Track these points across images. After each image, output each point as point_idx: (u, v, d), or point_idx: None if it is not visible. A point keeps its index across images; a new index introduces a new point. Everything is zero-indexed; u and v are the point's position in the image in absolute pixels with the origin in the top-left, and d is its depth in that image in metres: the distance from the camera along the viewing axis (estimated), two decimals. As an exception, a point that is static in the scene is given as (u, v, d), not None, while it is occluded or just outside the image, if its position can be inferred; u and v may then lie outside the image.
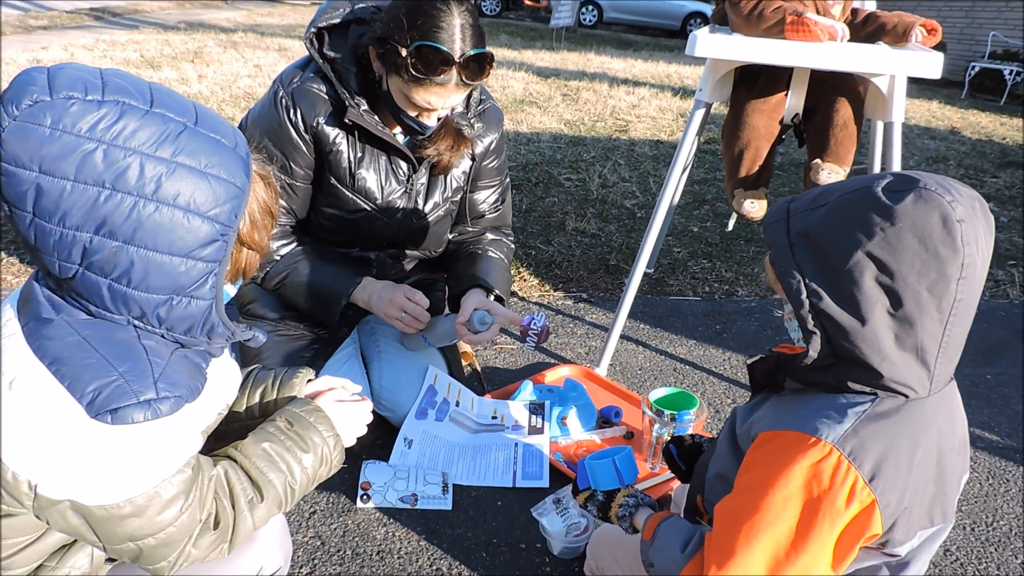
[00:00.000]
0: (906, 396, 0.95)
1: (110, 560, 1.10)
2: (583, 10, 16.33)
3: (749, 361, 1.14)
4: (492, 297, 1.86)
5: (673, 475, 1.46)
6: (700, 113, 2.18)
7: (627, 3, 16.12)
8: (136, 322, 0.93)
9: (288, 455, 1.13)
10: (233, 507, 1.07)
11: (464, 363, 2.27)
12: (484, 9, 16.90)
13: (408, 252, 1.99)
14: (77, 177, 0.83)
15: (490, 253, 1.97)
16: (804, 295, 0.94)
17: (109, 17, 11.04)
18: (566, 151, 4.85)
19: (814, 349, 0.95)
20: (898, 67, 1.86)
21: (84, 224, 0.85)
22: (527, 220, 3.59)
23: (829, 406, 0.96)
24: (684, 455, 1.37)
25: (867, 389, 0.95)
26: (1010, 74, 8.97)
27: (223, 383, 1.10)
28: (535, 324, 1.74)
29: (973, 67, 9.38)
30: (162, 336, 0.96)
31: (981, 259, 0.91)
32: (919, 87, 9.71)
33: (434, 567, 1.55)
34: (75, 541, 1.03)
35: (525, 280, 2.97)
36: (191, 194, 0.87)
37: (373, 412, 1.89)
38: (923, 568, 1.06)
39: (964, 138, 6.22)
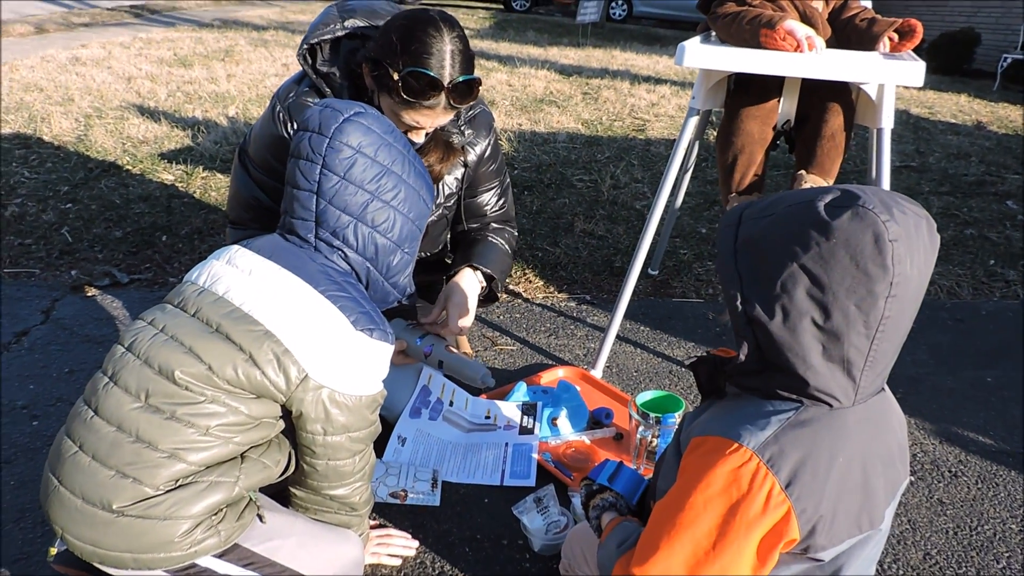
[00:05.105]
0: (830, 405, 0.98)
1: (282, 475, 1.37)
2: (612, 4, 16.25)
3: (688, 362, 1.18)
4: (480, 275, 1.98)
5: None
6: (694, 120, 2.22)
7: (657, -3, 16.01)
8: (370, 267, 1.37)
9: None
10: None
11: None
12: (515, 6, 16.88)
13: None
14: (375, 158, 1.32)
15: (490, 239, 2.07)
16: (738, 301, 0.98)
17: (148, 14, 11.31)
18: (581, 152, 4.89)
19: (743, 354, 1.00)
20: (879, 76, 1.87)
21: (370, 188, 1.32)
22: (536, 222, 3.65)
23: (755, 413, 1.00)
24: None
25: (793, 397, 0.99)
26: (1044, 65, 8.74)
27: None
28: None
29: (1006, 58, 9.15)
30: (371, 296, 1.39)
31: (916, 279, 0.93)
32: (951, 79, 9.51)
33: (418, 560, 1.63)
34: (270, 444, 1.32)
35: (530, 282, 3.03)
36: (415, 204, 1.40)
37: None
38: (862, 572, 1.11)
39: (990, 133, 6.11)
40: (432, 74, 1.57)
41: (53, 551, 1.28)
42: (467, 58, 1.64)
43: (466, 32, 1.67)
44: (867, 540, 1.05)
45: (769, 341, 0.97)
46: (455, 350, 1.87)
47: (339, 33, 1.73)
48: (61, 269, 2.91)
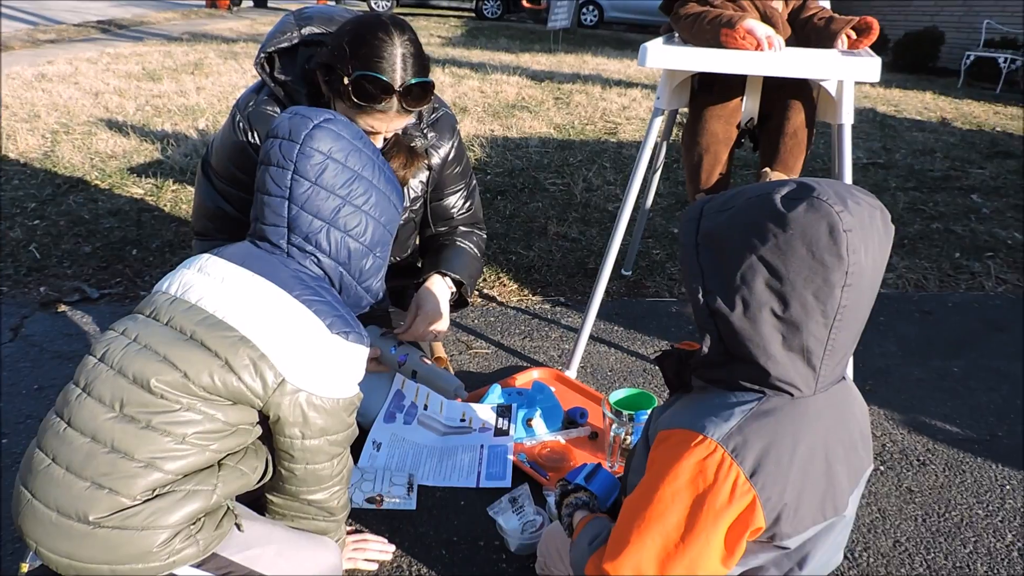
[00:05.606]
0: (791, 394, 1.00)
1: (259, 481, 1.36)
2: (584, 10, 16.36)
3: (654, 356, 1.18)
4: (449, 280, 1.97)
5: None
6: (659, 120, 2.24)
7: (628, 2, 16.13)
8: (343, 272, 1.37)
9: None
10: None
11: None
12: (485, 12, 16.95)
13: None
14: (345, 163, 1.33)
15: (458, 243, 2.07)
16: (700, 294, 1.00)
17: (115, 30, 11.18)
18: (553, 156, 4.92)
19: (706, 346, 1.02)
20: (838, 72, 1.91)
21: (341, 193, 1.33)
22: (509, 226, 3.66)
23: (719, 404, 1.01)
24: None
25: (756, 387, 1.01)
26: (1005, 62, 8.93)
27: None
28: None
29: (969, 56, 9.35)
30: (344, 301, 1.39)
31: (871, 268, 0.95)
32: (916, 77, 9.69)
33: (395, 564, 1.63)
34: (247, 451, 1.31)
35: (504, 285, 3.05)
36: (386, 209, 1.41)
37: None
38: (829, 558, 1.13)
39: (954, 129, 6.23)
40: (383, 78, 1.57)
41: (25, 567, 1.27)
42: (419, 61, 1.63)
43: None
44: (832, 527, 1.07)
45: (731, 333, 0.98)
46: (429, 360, 1.87)
47: (295, 41, 1.73)
48: (30, 286, 2.87)
